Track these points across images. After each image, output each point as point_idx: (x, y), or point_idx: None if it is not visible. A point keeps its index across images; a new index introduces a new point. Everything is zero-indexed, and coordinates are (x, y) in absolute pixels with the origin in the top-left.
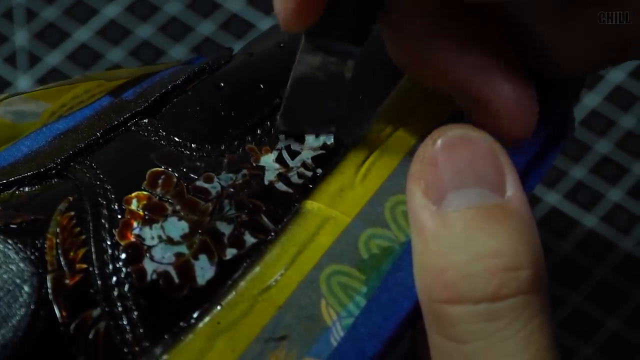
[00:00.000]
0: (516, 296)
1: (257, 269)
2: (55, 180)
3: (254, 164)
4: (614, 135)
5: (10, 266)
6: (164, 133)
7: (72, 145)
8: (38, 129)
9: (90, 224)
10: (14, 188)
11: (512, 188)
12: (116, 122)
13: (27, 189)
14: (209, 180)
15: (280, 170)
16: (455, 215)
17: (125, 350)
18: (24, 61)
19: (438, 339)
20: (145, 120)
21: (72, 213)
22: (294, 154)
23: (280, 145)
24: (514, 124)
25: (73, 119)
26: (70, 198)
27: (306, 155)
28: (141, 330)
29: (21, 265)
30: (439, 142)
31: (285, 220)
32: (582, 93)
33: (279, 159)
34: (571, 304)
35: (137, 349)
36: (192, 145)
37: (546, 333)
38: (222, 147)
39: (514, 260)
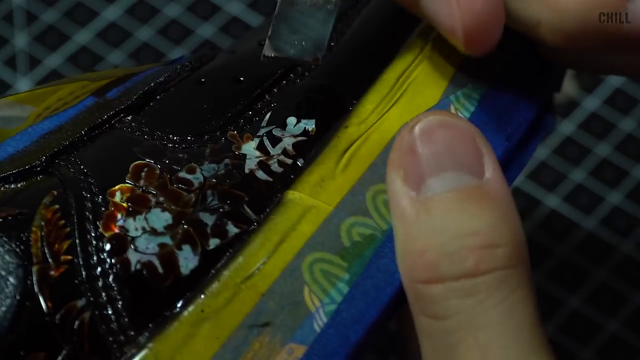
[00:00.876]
0: (494, 271)
1: (240, 258)
2: (40, 176)
3: (236, 152)
4: (613, 139)
5: None
6: (147, 129)
7: (57, 144)
8: (23, 130)
9: (75, 217)
10: (0, 185)
11: (491, 170)
12: (100, 120)
13: (12, 185)
14: (191, 171)
15: (261, 158)
16: (434, 199)
17: (110, 339)
18: (24, 64)
19: (422, 319)
20: (129, 118)
21: (57, 206)
22: (275, 141)
23: (261, 132)
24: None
25: (57, 119)
26: (55, 192)
27: (287, 142)
28: (126, 320)
29: (6, 257)
30: (416, 128)
31: (267, 210)
32: (582, 96)
33: (260, 147)
34: (570, 307)
35: (122, 337)
36: (175, 138)
37: (528, 306)
38: (205, 138)
39: (491, 238)
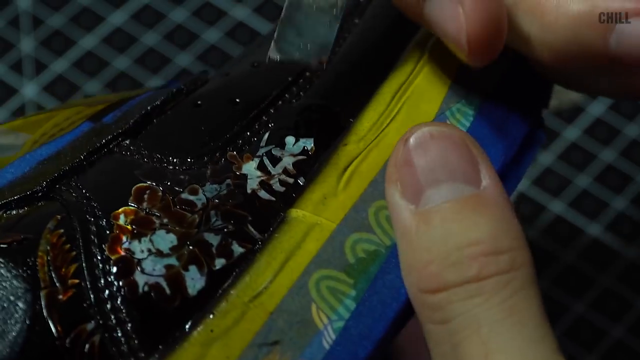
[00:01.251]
0: (497, 275)
1: (246, 277)
2: (42, 202)
3: (237, 173)
4: (618, 144)
5: (4, 284)
6: (146, 151)
7: (56, 169)
8: (21, 157)
9: (80, 241)
10: (2, 211)
11: (487, 178)
12: (98, 145)
13: (14, 212)
14: (193, 192)
15: (262, 178)
16: (433, 211)
17: None
18: (30, 68)
19: (429, 327)
20: (127, 142)
21: (62, 231)
22: (275, 160)
23: (261, 152)
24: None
25: (55, 145)
26: (59, 217)
27: (287, 161)
28: (136, 342)
29: (14, 282)
30: (410, 141)
31: (271, 229)
32: (587, 102)
33: (261, 166)
34: (575, 312)
35: (132, 359)
36: (175, 160)
37: (532, 305)
38: (205, 159)
39: (493, 245)
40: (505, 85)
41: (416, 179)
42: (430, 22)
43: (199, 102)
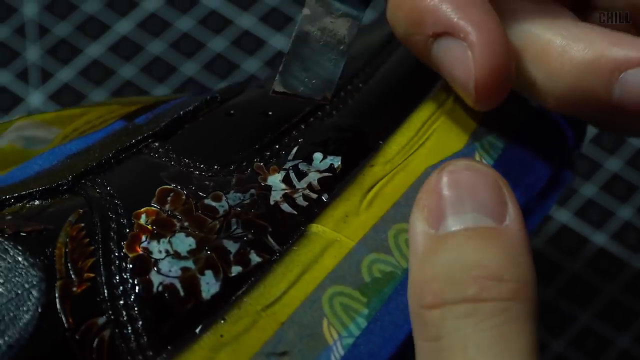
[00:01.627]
0: (496, 301)
1: (261, 286)
2: (66, 195)
3: (262, 183)
4: (624, 153)
5: (20, 271)
6: (174, 155)
7: (84, 165)
8: (50, 149)
9: (99, 236)
10: (25, 201)
11: (512, 217)
12: (128, 144)
13: (37, 202)
14: (217, 199)
15: (286, 191)
16: (449, 235)
17: (128, 358)
18: (36, 77)
19: (421, 344)
20: (157, 144)
21: (82, 224)
22: (301, 175)
23: (287, 165)
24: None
25: (85, 141)
26: (81, 211)
27: (313, 177)
28: (145, 340)
29: (30, 270)
30: (444, 172)
31: (290, 241)
32: None
33: (286, 179)
34: (581, 322)
35: (140, 357)
36: (202, 166)
37: (524, 339)
38: (231, 168)
39: (498, 272)
40: (534, 123)
41: (442, 207)
42: (437, 64)
43: (231, 112)
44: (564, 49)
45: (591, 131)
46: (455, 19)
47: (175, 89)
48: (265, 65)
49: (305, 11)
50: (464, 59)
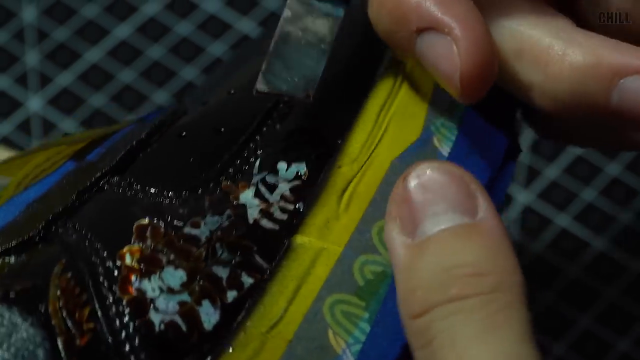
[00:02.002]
0: (479, 296)
1: (260, 307)
2: (41, 246)
3: (235, 203)
4: (624, 157)
5: (21, 333)
6: (139, 187)
7: (48, 212)
8: (8, 201)
9: (90, 283)
10: (0, 258)
11: (484, 210)
12: (88, 184)
13: (12, 258)
14: (195, 225)
15: (262, 207)
16: (427, 241)
17: None
18: (35, 82)
19: (417, 354)
20: (117, 178)
21: (69, 274)
22: (271, 188)
23: (255, 179)
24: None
25: (41, 187)
26: (64, 260)
27: (283, 187)
28: None
29: (31, 331)
30: (409, 178)
31: (278, 257)
32: None
33: (258, 194)
34: (581, 326)
35: None
36: (169, 194)
37: (515, 324)
38: (199, 192)
39: (478, 268)
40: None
41: (414, 213)
42: (421, 59)
43: (183, 133)
44: (564, 53)
45: None
46: (439, 15)
47: (175, 94)
48: None
49: (286, 12)
50: (449, 53)
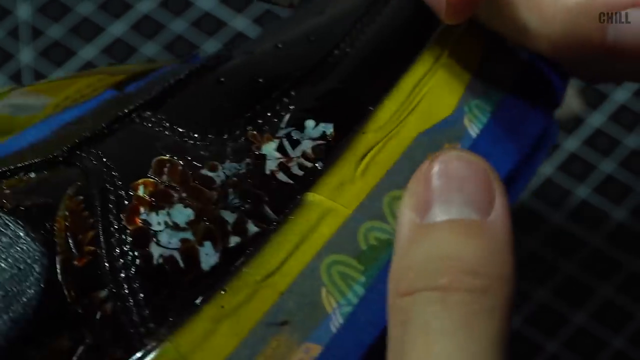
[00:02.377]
0: (465, 293)
1: (259, 256)
2: (62, 167)
3: (256, 152)
4: (618, 155)
5: (22, 246)
6: (168, 124)
7: (77, 135)
8: (44, 119)
9: (99, 209)
10: (22, 174)
11: (497, 212)
12: (121, 114)
13: (33, 174)
14: (213, 169)
15: (281, 160)
16: (433, 226)
17: (131, 330)
18: (29, 79)
19: (391, 330)
20: (149, 113)
21: (81, 197)
22: (294, 143)
23: (280, 133)
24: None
25: (78, 111)
26: (79, 183)
27: (306, 145)
28: (147, 312)
29: (32, 245)
30: (435, 162)
31: (287, 210)
32: (587, 112)
33: (280, 148)
34: (575, 323)
35: (142, 329)
36: (195, 135)
37: (491, 331)
38: (225, 137)
39: (474, 267)
40: (522, 83)
41: (429, 196)
42: None
43: (222, 79)
44: None
45: (584, 133)
46: None
47: (192, 56)
48: None
49: None
50: None
